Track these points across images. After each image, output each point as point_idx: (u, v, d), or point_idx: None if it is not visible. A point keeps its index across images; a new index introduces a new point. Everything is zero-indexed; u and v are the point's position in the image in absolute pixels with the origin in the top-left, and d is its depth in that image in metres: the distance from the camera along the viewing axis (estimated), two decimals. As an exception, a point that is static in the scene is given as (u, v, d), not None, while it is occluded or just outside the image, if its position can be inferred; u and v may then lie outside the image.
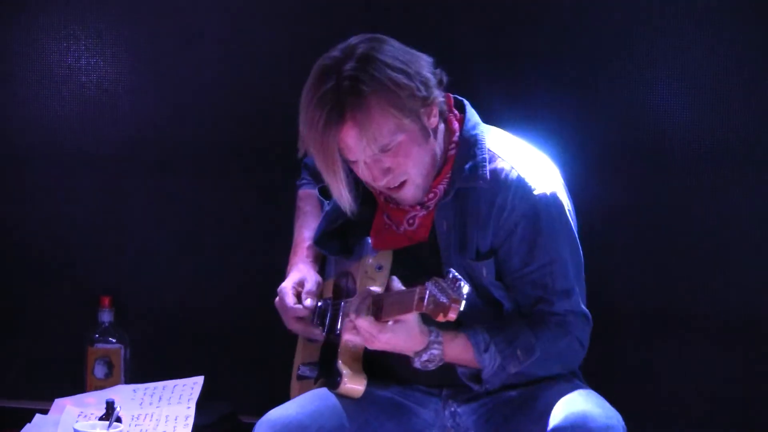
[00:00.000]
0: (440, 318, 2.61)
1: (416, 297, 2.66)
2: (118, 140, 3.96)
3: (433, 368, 2.85)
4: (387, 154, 2.83)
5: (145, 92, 3.96)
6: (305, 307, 3.03)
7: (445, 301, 2.59)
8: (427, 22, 3.70)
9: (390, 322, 2.76)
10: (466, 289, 2.59)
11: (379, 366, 3.00)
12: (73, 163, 3.99)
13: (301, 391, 3.09)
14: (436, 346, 2.81)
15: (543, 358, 2.86)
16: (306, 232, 3.19)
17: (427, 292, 2.62)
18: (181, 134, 3.94)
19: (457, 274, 2.61)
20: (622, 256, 3.60)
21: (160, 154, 3.95)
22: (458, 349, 2.85)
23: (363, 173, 2.89)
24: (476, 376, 2.89)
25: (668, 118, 3.57)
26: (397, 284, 2.79)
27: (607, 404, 2.85)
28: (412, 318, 2.77)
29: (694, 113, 3.55)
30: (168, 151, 3.95)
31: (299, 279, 3.07)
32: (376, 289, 2.84)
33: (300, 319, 3.05)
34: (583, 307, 2.93)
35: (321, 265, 3.19)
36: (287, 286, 3.06)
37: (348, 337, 2.84)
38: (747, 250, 3.55)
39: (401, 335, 2.77)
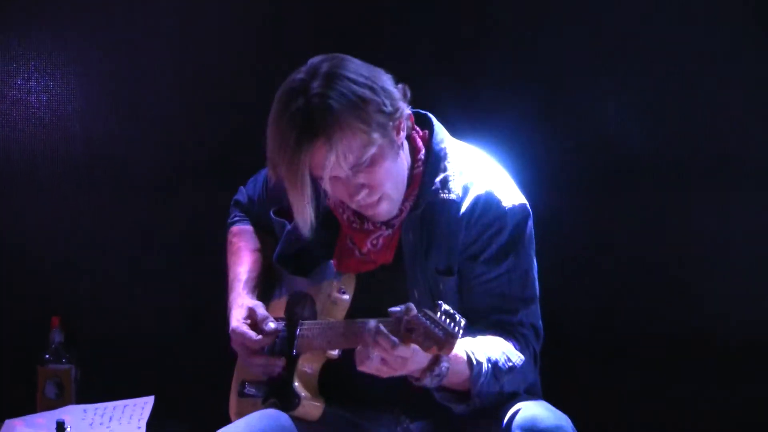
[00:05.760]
0: (433, 350, 2.59)
1: (402, 327, 2.60)
2: (69, 161, 3.96)
3: (437, 385, 2.75)
4: (361, 170, 2.82)
5: (95, 112, 3.96)
6: (269, 332, 2.99)
7: (440, 335, 2.56)
8: (384, 38, 3.75)
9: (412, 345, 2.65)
10: (463, 322, 2.57)
11: (331, 384, 2.98)
12: (24, 183, 3.98)
13: (241, 408, 3.07)
14: (444, 359, 2.71)
15: (519, 369, 2.86)
16: (239, 267, 3.15)
17: (418, 322, 2.57)
18: (133, 154, 3.94)
19: (448, 307, 2.58)
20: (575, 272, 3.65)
21: (111, 175, 3.95)
22: (459, 363, 2.77)
23: (338, 191, 2.87)
24: (459, 395, 2.84)
25: (626, 137, 3.64)
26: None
27: (557, 410, 2.85)
28: None
29: (650, 133, 3.63)
30: (119, 172, 3.95)
31: (246, 313, 3.02)
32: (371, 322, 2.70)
33: (261, 354, 3.01)
34: (538, 320, 2.95)
35: (259, 295, 3.14)
36: (238, 324, 3.00)
37: (373, 367, 2.67)
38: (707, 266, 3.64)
39: (421, 355, 2.67)
